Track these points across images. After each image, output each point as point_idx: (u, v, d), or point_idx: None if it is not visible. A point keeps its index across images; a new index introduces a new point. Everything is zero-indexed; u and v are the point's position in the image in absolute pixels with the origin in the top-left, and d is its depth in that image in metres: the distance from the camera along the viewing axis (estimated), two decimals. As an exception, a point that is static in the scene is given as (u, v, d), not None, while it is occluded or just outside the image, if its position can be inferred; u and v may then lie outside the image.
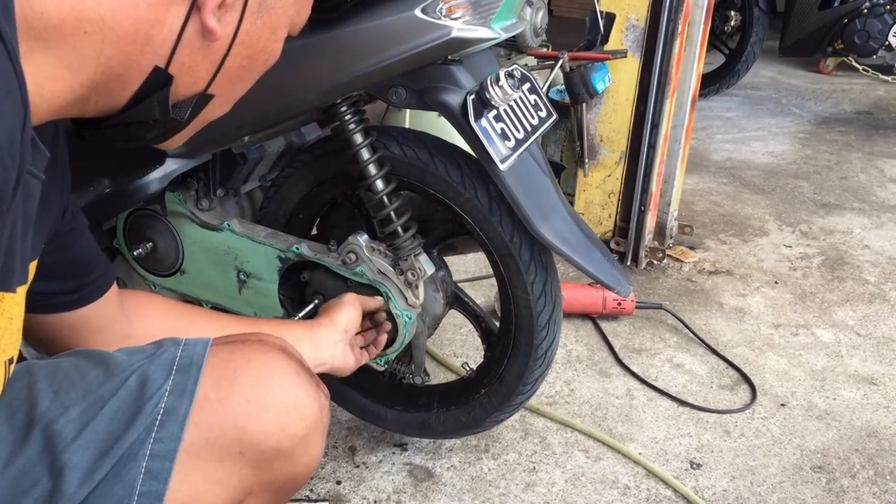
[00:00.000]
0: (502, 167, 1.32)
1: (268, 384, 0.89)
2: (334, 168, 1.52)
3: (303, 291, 1.58)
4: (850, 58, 4.42)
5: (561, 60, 2.44)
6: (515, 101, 1.40)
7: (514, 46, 2.51)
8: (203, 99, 0.82)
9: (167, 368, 0.86)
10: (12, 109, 0.60)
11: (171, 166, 1.47)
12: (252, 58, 0.82)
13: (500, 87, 1.30)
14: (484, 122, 1.32)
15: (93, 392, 0.84)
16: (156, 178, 1.48)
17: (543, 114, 1.47)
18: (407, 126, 2.48)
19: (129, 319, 1.14)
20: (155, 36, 0.72)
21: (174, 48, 0.74)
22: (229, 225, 1.57)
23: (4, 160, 0.59)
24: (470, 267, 2.59)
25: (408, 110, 2.48)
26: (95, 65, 0.71)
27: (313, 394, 0.93)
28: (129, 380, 0.85)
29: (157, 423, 0.82)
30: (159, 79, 0.76)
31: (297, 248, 1.52)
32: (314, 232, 1.69)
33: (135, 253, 1.64)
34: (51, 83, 0.68)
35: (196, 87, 0.80)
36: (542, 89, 1.50)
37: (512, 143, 1.35)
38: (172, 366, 0.86)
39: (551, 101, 2.73)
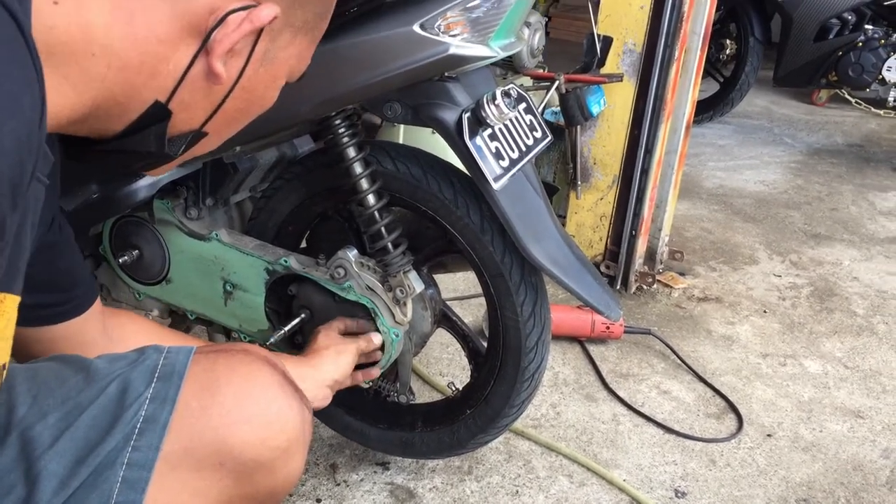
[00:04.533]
0: (495, 186, 1.31)
1: (250, 395, 0.88)
2: (326, 181, 1.51)
3: (289, 305, 1.56)
4: (843, 90, 4.44)
5: (557, 82, 2.45)
6: (511, 120, 1.39)
7: (510, 66, 2.52)
8: (197, 136, 0.83)
9: (148, 376, 0.85)
10: (31, 104, 0.60)
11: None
12: (250, 101, 0.84)
13: (496, 106, 1.29)
14: (479, 140, 1.31)
15: (72, 398, 0.83)
16: (144, 185, 1.46)
17: (539, 134, 1.46)
18: (401, 141, 2.48)
19: (110, 338, 1.13)
20: (160, 71, 0.73)
21: (177, 85, 0.75)
22: (217, 235, 1.56)
23: (22, 153, 0.59)
24: (459, 285, 2.58)
25: (402, 125, 2.47)
26: (99, 87, 0.71)
27: (296, 406, 0.92)
28: (110, 387, 0.84)
29: (136, 431, 0.81)
30: (159, 112, 0.77)
31: (286, 261, 1.51)
32: (303, 245, 1.67)
33: (120, 260, 1.62)
34: (54, 96, 0.67)
35: (192, 124, 0.81)
36: (537, 110, 1.49)
37: (506, 163, 1.34)
38: (154, 373, 0.85)
39: (546, 122, 2.73)
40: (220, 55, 0.74)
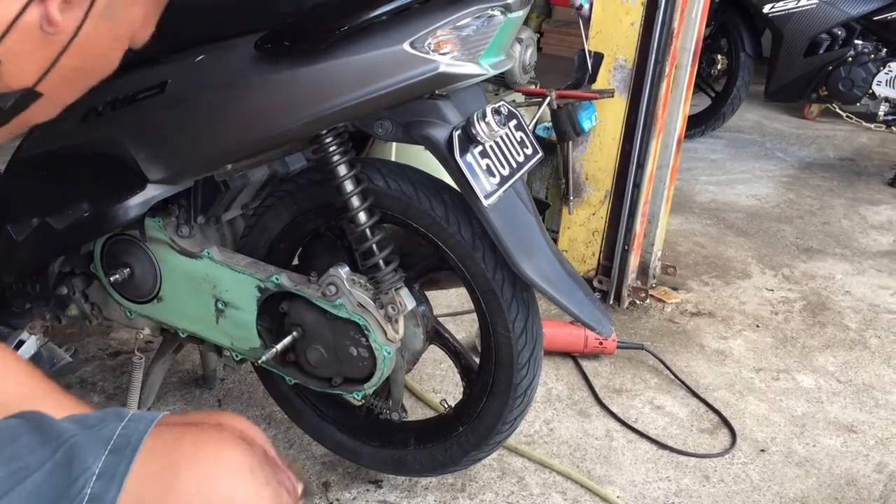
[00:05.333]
0: (486, 203, 1.31)
1: (213, 483, 0.76)
2: (317, 199, 1.51)
3: (281, 323, 1.56)
4: (834, 104, 4.47)
5: (549, 98, 2.46)
6: (502, 137, 1.40)
7: (502, 83, 2.52)
8: (30, 95, 0.79)
9: (101, 446, 0.75)
10: None
11: (152, 192, 1.45)
12: (89, 61, 0.80)
13: (487, 124, 1.29)
14: (469, 157, 1.31)
15: (20, 458, 0.73)
16: (136, 203, 1.46)
17: (529, 151, 1.46)
18: (393, 158, 2.48)
19: None
20: None
21: (7, 30, 0.71)
22: (209, 253, 1.55)
23: None
24: (452, 301, 2.57)
25: (394, 143, 2.47)
26: None
27: (268, 496, 0.79)
28: (59, 452, 0.74)
29: None
30: None
31: (277, 279, 1.50)
32: (296, 262, 1.67)
33: (111, 278, 1.61)
34: None
35: (24, 79, 0.77)
36: (528, 126, 1.49)
37: (497, 180, 1.35)
38: (108, 444, 0.75)
39: (538, 138, 2.74)
40: (59, 2, 0.71)
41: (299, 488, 0.85)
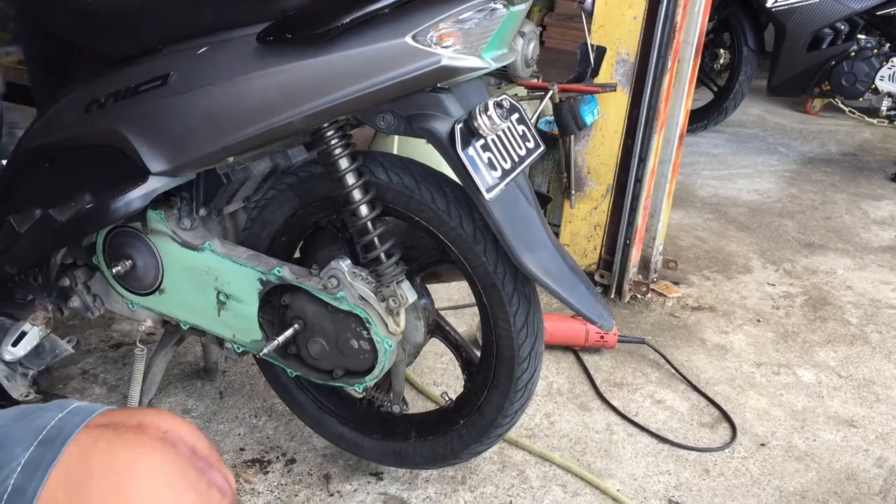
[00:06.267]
0: (488, 196, 1.32)
1: (124, 494, 0.71)
2: (319, 192, 1.51)
3: (283, 315, 1.56)
4: (836, 99, 4.46)
5: (551, 91, 2.46)
6: (504, 130, 1.40)
7: (504, 76, 2.52)
8: None
9: (31, 437, 0.71)
10: None
11: (154, 184, 1.45)
12: None
13: (489, 117, 1.29)
14: (471, 150, 1.31)
15: None
16: (138, 195, 1.46)
17: (531, 144, 1.46)
18: (395, 151, 2.48)
19: None
20: None
21: None
22: (211, 245, 1.56)
23: None
24: (453, 295, 2.58)
25: (396, 136, 2.48)
26: None
27: (188, 501, 0.75)
28: None
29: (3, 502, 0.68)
30: None
31: (279, 272, 1.51)
32: (297, 255, 1.67)
33: (113, 270, 1.62)
34: None
35: None
36: (530, 120, 1.49)
37: (498, 173, 1.35)
38: (38, 434, 0.72)
39: (540, 131, 2.74)
40: None
41: (234, 484, 0.79)
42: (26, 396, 1.63)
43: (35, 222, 1.56)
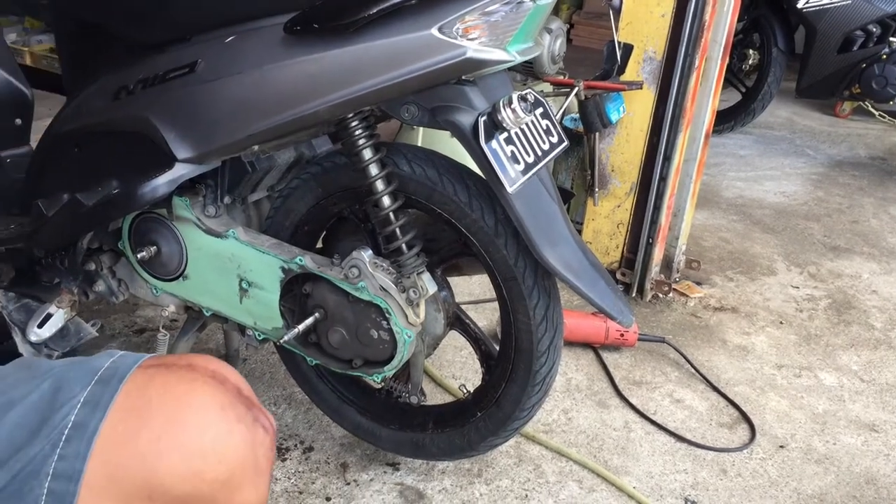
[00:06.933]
0: (510, 190, 1.32)
1: (182, 420, 0.77)
2: (342, 182, 1.52)
3: (304, 304, 1.58)
4: (866, 103, 4.40)
5: (576, 88, 2.46)
6: (527, 124, 1.40)
7: (530, 72, 2.52)
8: None
9: (88, 377, 0.76)
10: None
11: (180, 171, 1.47)
12: None
13: (513, 110, 1.29)
14: (494, 143, 1.32)
15: (5, 393, 0.75)
16: (164, 181, 1.47)
17: (555, 139, 1.46)
18: (420, 143, 2.49)
19: None
20: None
21: None
22: (234, 233, 1.57)
23: None
24: (475, 289, 2.58)
25: (421, 128, 2.49)
26: None
27: (240, 432, 0.80)
28: (44, 384, 0.75)
29: (64, 438, 0.73)
30: None
31: (301, 260, 1.52)
32: (320, 245, 1.69)
33: (138, 256, 1.64)
34: None
35: None
36: (555, 115, 1.49)
37: (521, 167, 1.35)
38: (94, 375, 0.76)
39: (565, 128, 2.73)
40: None
41: (275, 424, 0.85)
42: (50, 377, 1.65)
43: (62, 206, 1.58)
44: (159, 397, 0.77)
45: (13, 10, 3.50)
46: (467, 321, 1.68)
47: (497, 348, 1.63)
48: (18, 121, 1.73)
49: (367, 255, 1.48)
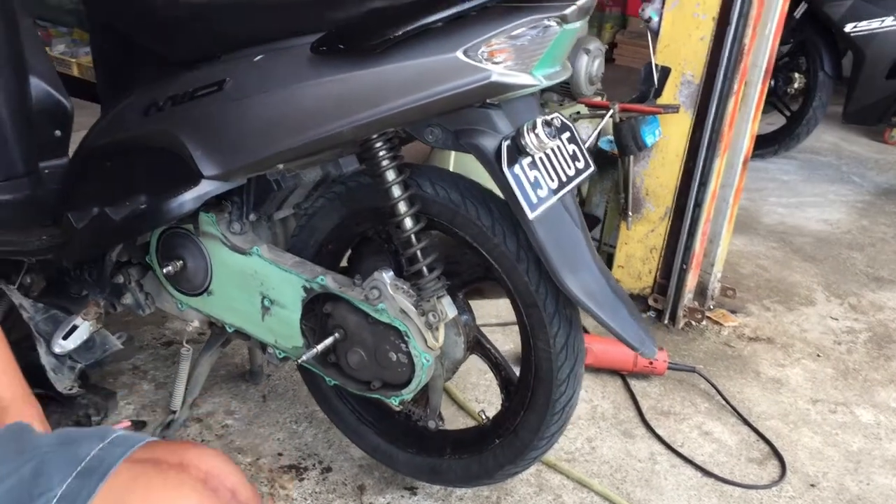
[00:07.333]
0: (531, 216, 1.30)
1: None
2: (366, 202, 1.52)
3: (325, 323, 1.57)
4: (916, 130, 4.31)
5: (612, 111, 2.42)
6: (552, 149, 1.38)
7: (567, 93, 2.50)
8: None
9: (70, 467, 0.72)
10: None
11: (206, 187, 1.47)
12: None
13: (536, 135, 1.28)
14: (517, 168, 1.30)
15: None
16: (190, 197, 1.48)
17: (581, 165, 1.44)
18: (451, 166, 2.48)
19: None
20: None
21: None
22: (258, 250, 1.57)
23: None
24: (502, 312, 2.56)
25: (453, 152, 2.48)
26: None
27: None
28: (26, 467, 0.71)
29: None
30: None
31: (322, 280, 1.51)
32: (345, 264, 1.68)
33: (165, 270, 1.65)
34: None
35: None
36: (582, 140, 1.47)
37: (544, 192, 1.33)
38: (77, 465, 0.72)
39: (600, 150, 2.70)
40: None
41: None
42: (70, 390, 1.67)
43: (92, 219, 1.60)
44: (140, 502, 0.72)
45: (65, 20, 3.58)
46: (488, 346, 1.66)
47: (518, 375, 1.60)
48: (58, 132, 1.76)
49: (387, 276, 1.46)
